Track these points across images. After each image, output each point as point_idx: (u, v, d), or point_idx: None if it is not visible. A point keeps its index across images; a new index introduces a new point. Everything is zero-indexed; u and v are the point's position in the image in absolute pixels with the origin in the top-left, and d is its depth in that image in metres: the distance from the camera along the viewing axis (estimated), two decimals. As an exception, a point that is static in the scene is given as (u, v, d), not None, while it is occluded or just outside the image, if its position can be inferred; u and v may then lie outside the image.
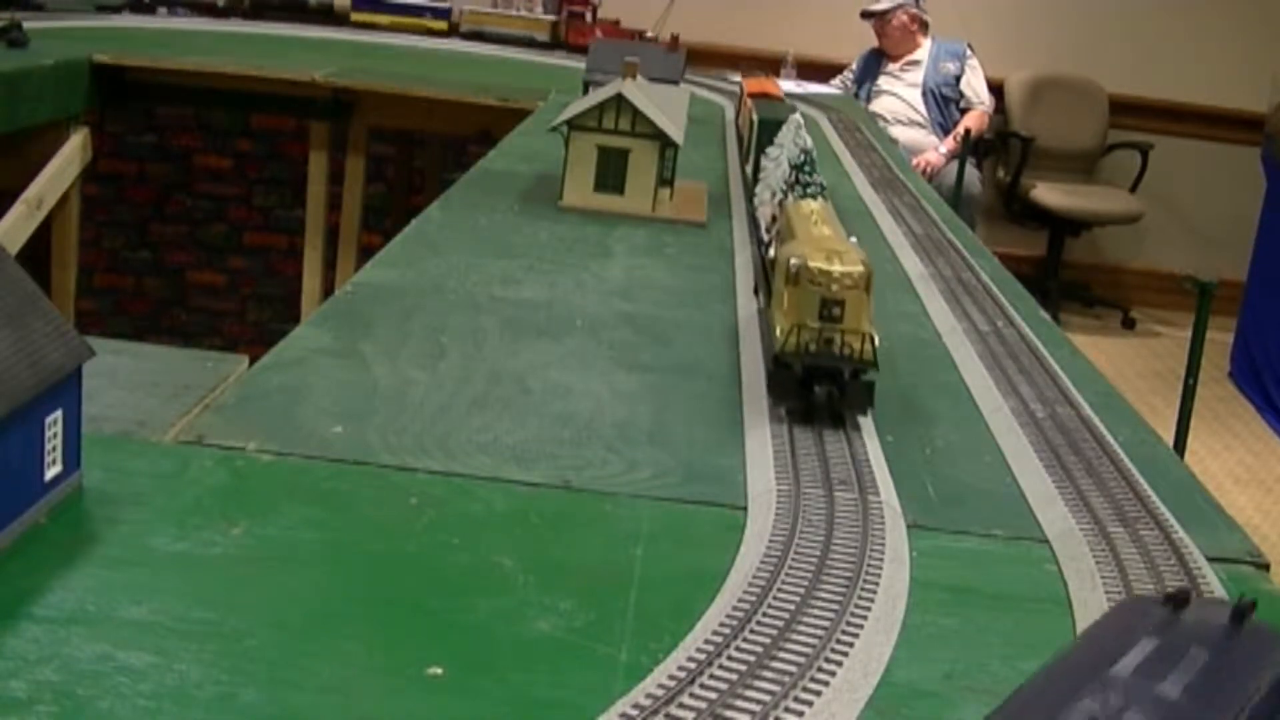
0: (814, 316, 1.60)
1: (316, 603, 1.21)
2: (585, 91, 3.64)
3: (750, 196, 2.82)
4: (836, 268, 1.61)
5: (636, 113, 2.97)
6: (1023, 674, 1.20)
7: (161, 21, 6.53)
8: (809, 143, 2.26)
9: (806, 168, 2.17)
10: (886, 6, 7.64)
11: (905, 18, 7.67)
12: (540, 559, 1.32)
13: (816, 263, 1.62)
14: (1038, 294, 3.08)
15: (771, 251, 2.00)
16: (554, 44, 6.98)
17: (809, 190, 2.09)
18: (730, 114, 5.09)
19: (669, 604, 1.24)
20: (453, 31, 6.95)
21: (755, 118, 3.09)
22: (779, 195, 2.15)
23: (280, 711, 1.04)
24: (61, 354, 1.26)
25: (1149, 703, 0.74)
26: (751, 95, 3.78)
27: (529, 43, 6.90)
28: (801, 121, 2.38)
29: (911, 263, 2.86)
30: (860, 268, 1.62)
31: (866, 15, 7.73)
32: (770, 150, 2.43)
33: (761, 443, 1.63)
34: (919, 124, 7.67)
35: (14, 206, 4.68)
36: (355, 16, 6.90)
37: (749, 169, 3.16)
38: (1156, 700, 0.74)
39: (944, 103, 7.72)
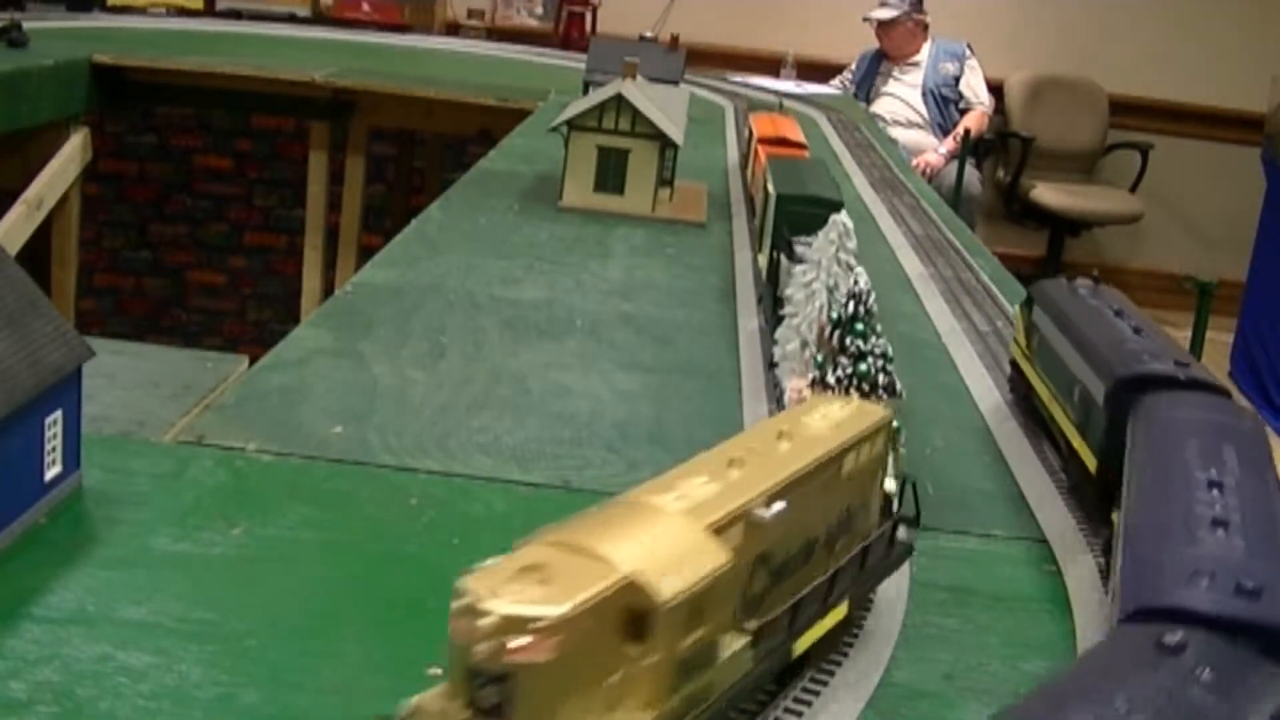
0: (462, 702, 0.79)
1: (316, 603, 1.21)
2: (585, 91, 3.64)
3: (771, 325, 1.85)
4: (502, 606, 0.76)
5: (636, 113, 2.97)
6: (1023, 674, 1.20)
7: (162, 22, 6.52)
8: (864, 283, 1.44)
9: (859, 325, 1.40)
10: (893, 14, 7.63)
11: (910, 23, 7.68)
12: (540, 559, 1.32)
13: (481, 588, 0.78)
14: (1038, 294, 3.08)
15: None
16: (316, 20, 6.88)
17: (861, 374, 1.34)
18: (730, 115, 5.08)
19: (669, 604, 1.24)
20: (209, 9, 6.81)
21: (771, 190, 2.18)
22: (813, 369, 1.41)
23: (280, 712, 1.04)
24: (61, 354, 1.26)
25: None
26: (764, 142, 2.89)
27: (289, 18, 6.78)
28: (849, 226, 1.55)
29: (911, 263, 2.86)
30: (559, 608, 0.76)
31: (870, 20, 7.73)
32: (801, 267, 1.57)
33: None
34: (919, 125, 7.66)
35: (14, 206, 4.68)
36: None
37: (761, 260, 2.22)
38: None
39: (943, 103, 7.72)
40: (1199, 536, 1.00)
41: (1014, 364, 1.88)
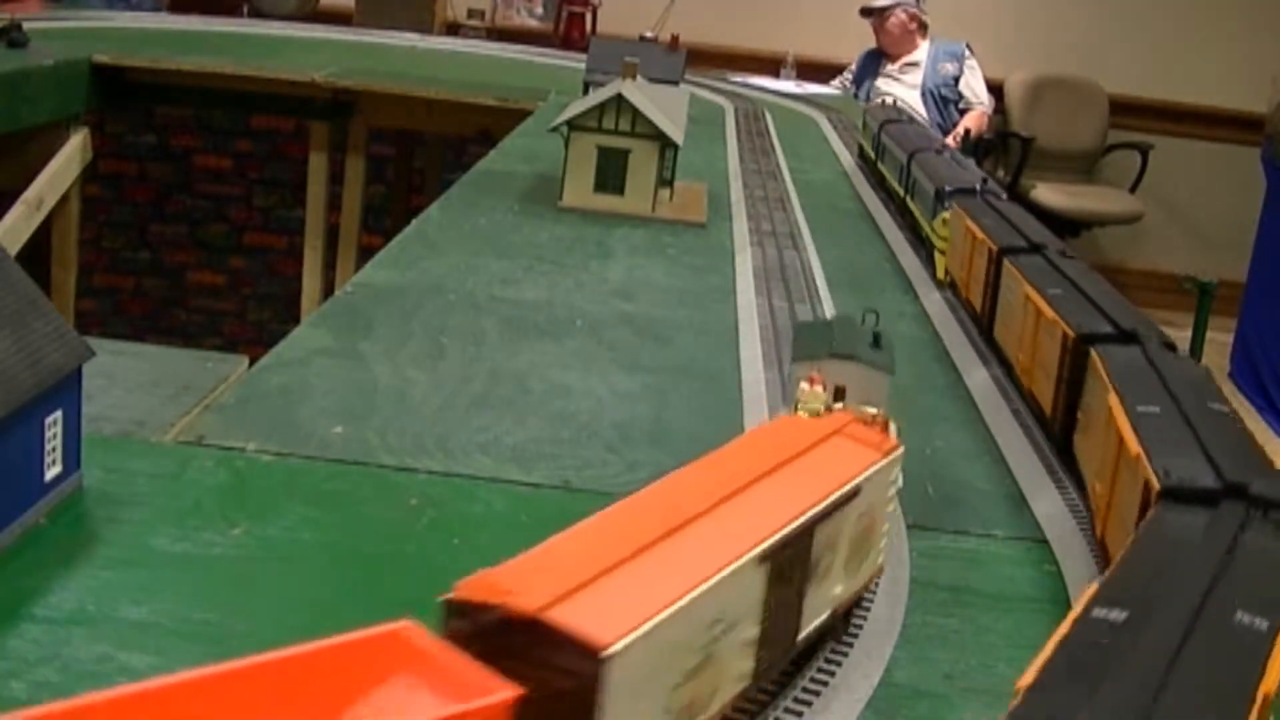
0: None
1: (316, 603, 1.21)
2: (585, 92, 3.64)
3: None
4: None
5: (636, 113, 2.97)
6: (1022, 674, 1.20)
7: (161, 21, 6.52)
8: None
9: None
10: (885, 4, 7.64)
11: (904, 16, 7.67)
12: (540, 559, 1.32)
13: None
14: (1038, 294, 3.08)
15: None
16: None
17: None
18: (730, 116, 5.07)
19: (669, 604, 1.24)
20: None
21: None
22: None
23: (280, 711, 1.03)
24: (61, 354, 1.26)
25: None
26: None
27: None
28: None
29: (911, 263, 2.86)
30: None
31: (866, 12, 7.73)
32: None
33: (761, 443, 1.62)
34: (919, 124, 7.67)
35: (14, 206, 4.68)
36: None
37: None
38: None
39: (943, 103, 7.72)
40: None
41: (860, 148, 4.14)
